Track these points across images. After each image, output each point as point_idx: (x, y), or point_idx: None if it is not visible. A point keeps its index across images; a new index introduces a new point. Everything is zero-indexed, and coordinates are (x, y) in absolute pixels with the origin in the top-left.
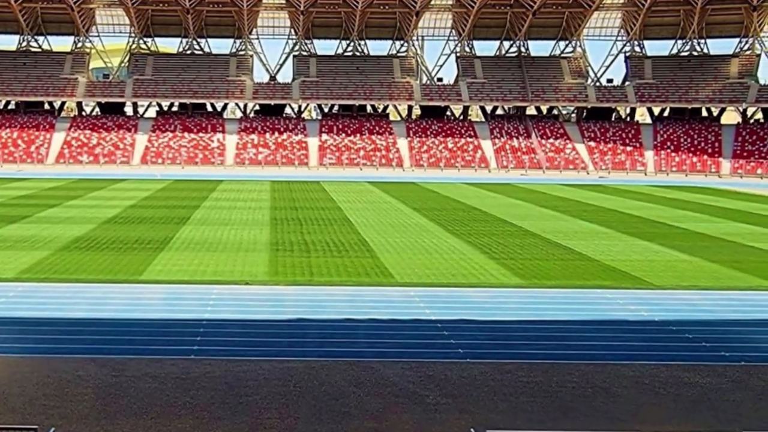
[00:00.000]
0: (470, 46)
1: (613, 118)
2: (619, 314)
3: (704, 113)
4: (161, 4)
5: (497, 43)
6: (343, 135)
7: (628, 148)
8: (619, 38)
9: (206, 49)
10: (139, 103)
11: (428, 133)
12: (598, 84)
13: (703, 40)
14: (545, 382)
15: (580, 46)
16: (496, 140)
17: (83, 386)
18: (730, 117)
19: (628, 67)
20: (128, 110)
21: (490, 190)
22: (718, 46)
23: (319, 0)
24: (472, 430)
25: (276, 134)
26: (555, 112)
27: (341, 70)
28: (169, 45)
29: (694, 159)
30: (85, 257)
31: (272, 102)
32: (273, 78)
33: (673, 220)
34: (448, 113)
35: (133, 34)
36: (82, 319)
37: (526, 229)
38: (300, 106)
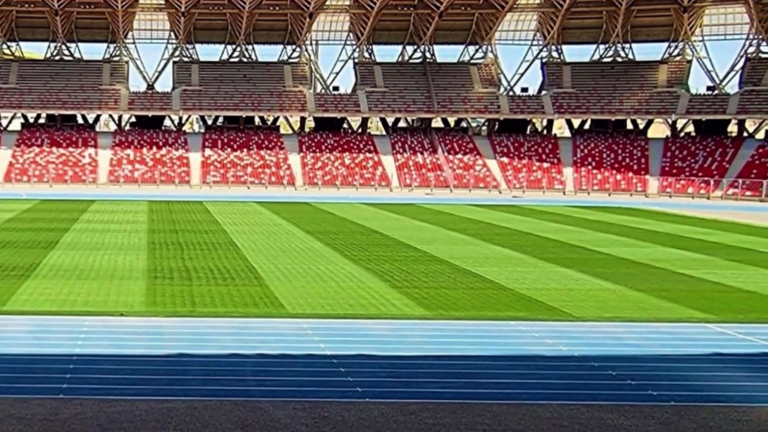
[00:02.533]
0: (370, 51)
1: (528, 131)
2: (535, 349)
3: (629, 126)
4: (27, 5)
5: (400, 48)
6: (229, 150)
7: (545, 165)
8: (535, 43)
9: (77, 55)
10: (2, 115)
11: (323, 147)
12: (511, 93)
13: (627, 45)
14: (453, 425)
15: (492, 51)
16: (399, 156)
17: None
18: (658, 130)
19: (544, 74)
20: None
21: (391, 211)
22: (644, 52)
23: (202, 0)
24: None
25: (154, 149)
26: (464, 124)
27: (226, 77)
28: (35, 50)
29: (618, 176)
30: None
31: (150, 113)
32: (151, 86)
33: (594, 244)
34: (345, 126)
35: None
36: None
37: (432, 254)
38: (181, 118)
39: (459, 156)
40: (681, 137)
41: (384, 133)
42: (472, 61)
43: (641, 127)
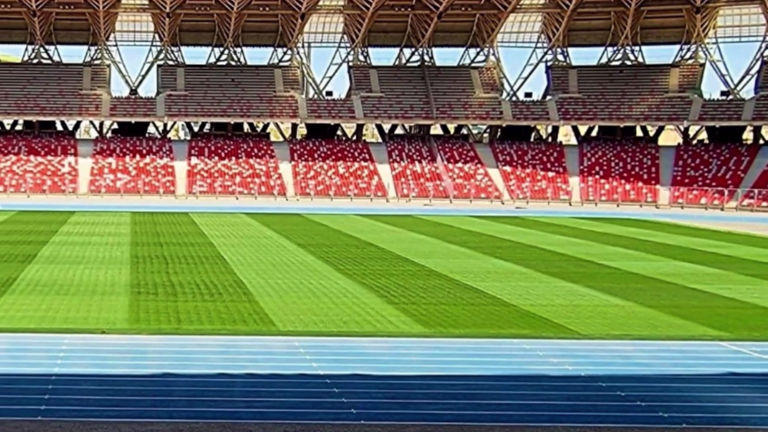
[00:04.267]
0: (365, 54)
1: (532, 139)
2: (540, 368)
3: (639, 132)
4: (2, 5)
5: (397, 50)
6: (216, 158)
7: (550, 174)
8: (539, 45)
9: (56, 58)
10: None
11: (316, 156)
12: (514, 99)
13: (637, 47)
14: None
15: (494, 54)
16: (396, 164)
17: None
18: (669, 137)
19: (549, 78)
20: None
21: (388, 222)
22: (655, 54)
23: (188, 0)
24: None
25: (137, 157)
26: (464, 131)
27: (214, 82)
28: (11, 53)
29: (627, 186)
30: None
31: (133, 120)
32: (134, 91)
33: (602, 258)
34: (339, 133)
35: None
36: None
37: (431, 268)
38: (165, 125)
39: (459, 165)
40: (693, 145)
41: (380, 140)
42: (473, 65)
43: (651, 134)
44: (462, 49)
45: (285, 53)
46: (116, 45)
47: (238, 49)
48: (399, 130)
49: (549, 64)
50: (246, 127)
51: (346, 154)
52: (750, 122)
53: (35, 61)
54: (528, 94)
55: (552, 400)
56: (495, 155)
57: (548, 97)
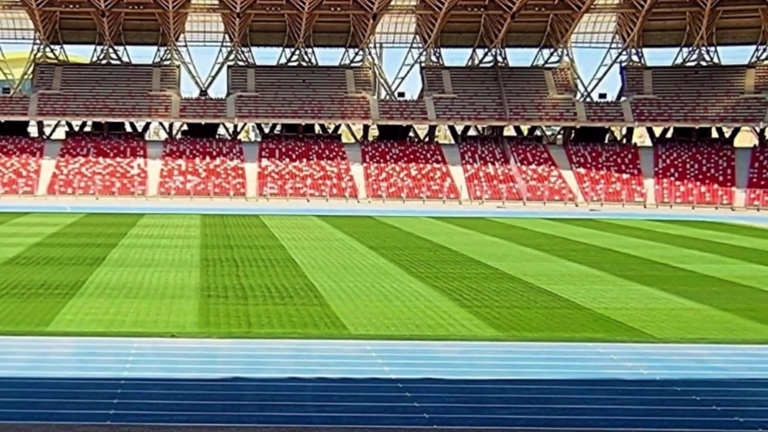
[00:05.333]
0: (437, 54)
1: (606, 140)
2: (614, 372)
3: (714, 134)
4: (71, 5)
5: (469, 51)
6: (287, 160)
7: (624, 176)
8: (614, 45)
9: (125, 59)
10: (45, 123)
11: (387, 157)
12: (588, 100)
13: (712, 48)
14: None
15: (568, 54)
16: (468, 166)
17: None
18: (745, 139)
19: (623, 79)
20: (32, 131)
21: (460, 225)
22: (730, 55)
23: (259, 0)
24: None
25: (207, 159)
26: (538, 132)
27: (284, 83)
28: (80, 53)
29: (703, 188)
30: None
31: (203, 121)
32: (204, 92)
33: (677, 260)
34: (411, 134)
35: (37, 41)
36: None
37: (504, 271)
38: (236, 126)
39: (532, 166)
40: None
41: (452, 142)
42: (547, 66)
43: (727, 135)
44: (535, 50)
45: (356, 54)
46: (186, 45)
47: (309, 50)
48: (472, 132)
49: (623, 64)
50: (317, 128)
51: (418, 155)
52: None
53: (104, 61)
54: (602, 95)
55: (626, 405)
56: (569, 157)
57: (623, 99)
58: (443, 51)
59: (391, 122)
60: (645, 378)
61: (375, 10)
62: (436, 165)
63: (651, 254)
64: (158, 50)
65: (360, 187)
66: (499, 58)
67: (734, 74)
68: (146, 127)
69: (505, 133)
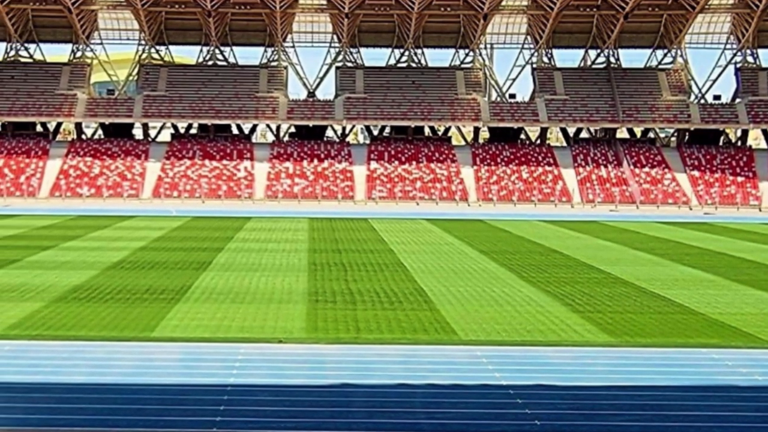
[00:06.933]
0: (549, 55)
1: (721, 143)
2: (728, 378)
3: None
4: (177, 5)
5: (581, 52)
6: (396, 163)
7: (739, 179)
8: (729, 46)
9: (231, 60)
10: (151, 125)
11: (498, 160)
12: (702, 101)
13: None
14: None
15: (682, 55)
16: (581, 169)
17: None
18: None
19: (738, 80)
20: (137, 133)
21: (572, 229)
22: None
23: (367, 1)
24: None
25: (315, 162)
26: (651, 135)
27: (394, 84)
28: (186, 54)
29: None
30: (85, 310)
31: (311, 123)
32: (312, 94)
33: None
34: (523, 136)
35: (143, 42)
36: (82, 384)
37: (617, 276)
38: (344, 128)
39: (646, 169)
40: None
41: (564, 144)
42: (660, 67)
43: None
44: (649, 51)
45: (467, 55)
46: (293, 46)
47: (419, 51)
48: (584, 134)
49: (738, 65)
50: (427, 130)
51: (529, 158)
52: None
53: (210, 62)
54: (716, 97)
55: (741, 411)
56: (683, 159)
57: (737, 100)
58: (555, 52)
59: (501, 124)
60: (760, 384)
61: (486, 10)
62: (547, 168)
63: (766, 258)
64: (265, 51)
65: (470, 189)
66: (612, 59)
67: None
68: (253, 129)
69: (618, 135)
